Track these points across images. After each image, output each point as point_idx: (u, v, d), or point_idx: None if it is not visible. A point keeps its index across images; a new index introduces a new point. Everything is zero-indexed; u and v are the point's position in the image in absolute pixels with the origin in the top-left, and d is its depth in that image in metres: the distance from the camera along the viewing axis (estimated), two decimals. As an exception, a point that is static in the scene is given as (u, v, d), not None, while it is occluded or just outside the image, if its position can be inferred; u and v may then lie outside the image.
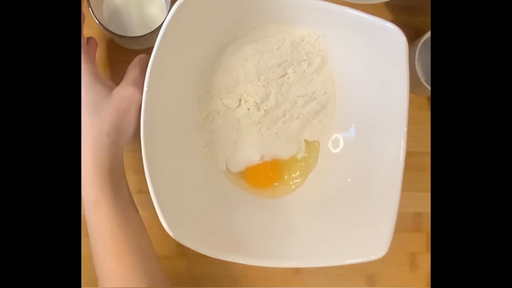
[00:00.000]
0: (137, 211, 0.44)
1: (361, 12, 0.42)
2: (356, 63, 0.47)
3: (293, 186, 0.51)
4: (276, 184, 0.51)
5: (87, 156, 0.40)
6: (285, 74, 0.49)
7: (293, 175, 0.51)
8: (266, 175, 0.51)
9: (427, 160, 0.54)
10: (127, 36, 0.47)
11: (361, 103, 0.48)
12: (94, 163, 0.40)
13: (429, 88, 0.48)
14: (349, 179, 0.48)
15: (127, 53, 0.51)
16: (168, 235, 0.41)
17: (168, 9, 0.45)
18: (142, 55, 0.46)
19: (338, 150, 0.50)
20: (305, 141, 0.51)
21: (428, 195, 0.54)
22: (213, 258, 0.43)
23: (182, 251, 0.53)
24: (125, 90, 0.43)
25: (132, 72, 0.44)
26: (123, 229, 0.41)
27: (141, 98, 0.42)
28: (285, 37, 0.48)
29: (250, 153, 0.50)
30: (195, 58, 0.47)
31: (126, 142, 0.43)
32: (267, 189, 0.51)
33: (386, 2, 0.48)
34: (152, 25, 0.47)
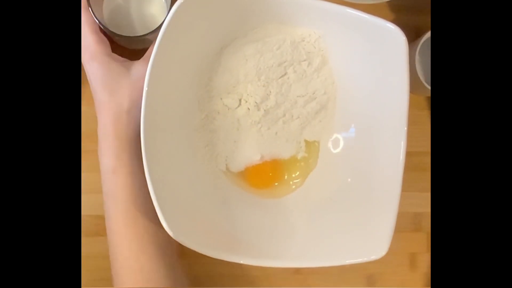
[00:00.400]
0: None
1: (361, 12, 0.42)
2: (356, 63, 0.47)
3: (293, 186, 0.51)
4: (276, 184, 0.51)
5: (108, 129, 0.42)
6: (285, 74, 0.49)
7: (293, 175, 0.51)
8: (266, 175, 0.51)
9: (427, 160, 0.54)
10: (127, 36, 0.47)
11: (361, 103, 0.48)
12: (115, 133, 0.42)
13: (429, 88, 0.48)
14: (349, 179, 0.48)
15: (127, 52, 0.51)
16: (168, 235, 0.41)
17: (168, 9, 0.45)
18: None
19: (338, 150, 0.50)
20: (305, 141, 0.51)
21: (428, 195, 0.54)
22: (213, 258, 0.43)
23: (182, 251, 0.53)
24: (143, 68, 0.43)
25: (150, 52, 0.44)
26: (139, 196, 0.42)
27: None
28: (285, 37, 0.48)
29: (250, 153, 0.50)
30: (195, 57, 0.47)
31: None
32: (267, 189, 0.51)
33: (386, 2, 0.48)
34: (152, 25, 0.48)
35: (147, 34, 0.45)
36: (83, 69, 0.45)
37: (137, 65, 0.45)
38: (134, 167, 0.42)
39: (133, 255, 0.41)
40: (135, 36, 0.46)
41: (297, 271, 0.54)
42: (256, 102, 0.48)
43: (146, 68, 0.42)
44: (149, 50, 0.46)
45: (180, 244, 0.42)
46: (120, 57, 0.46)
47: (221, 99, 0.49)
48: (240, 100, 0.49)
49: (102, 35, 0.45)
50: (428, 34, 0.48)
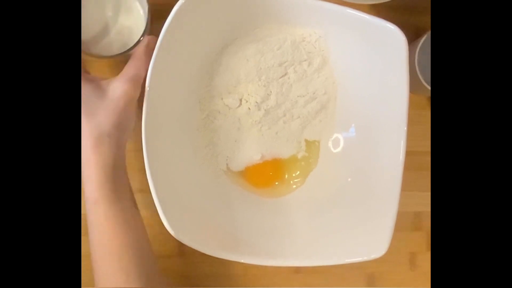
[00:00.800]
0: (138, 210, 0.43)
1: (362, 12, 0.43)
2: (357, 63, 0.47)
3: (293, 186, 0.51)
4: (276, 183, 0.51)
5: (89, 156, 0.40)
6: (286, 74, 0.49)
7: (294, 175, 0.51)
8: (266, 175, 0.51)
9: (427, 160, 0.54)
10: (101, 56, 0.44)
11: (361, 102, 0.48)
12: (97, 161, 0.40)
13: (429, 88, 0.48)
14: (349, 179, 0.48)
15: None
16: (169, 234, 0.42)
17: (147, 21, 0.43)
18: (145, 44, 0.43)
19: (338, 149, 0.50)
20: (306, 140, 0.51)
21: (428, 195, 0.54)
22: (213, 257, 0.43)
23: (182, 250, 0.53)
24: (122, 87, 0.41)
25: (129, 68, 0.42)
26: (121, 228, 0.40)
27: (138, 95, 0.41)
28: (286, 37, 0.48)
29: (251, 152, 0.50)
30: (196, 57, 0.47)
31: (128, 138, 0.43)
32: (268, 188, 0.51)
33: (386, 2, 0.48)
34: (129, 39, 0.45)
35: (123, 52, 0.43)
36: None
37: (115, 83, 0.41)
38: (117, 196, 0.40)
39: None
40: (111, 56, 0.44)
41: (297, 270, 0.54)
42: (256, 102, 0.48)
43: (125, 86, 0.41)
44: (126, 65, 0.43)
45: (180, 243, 0.42)
46: (94, 77, 0.43)
47: (222, 99, 0.49)
48: (240, 100, 0.49)
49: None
50: (428, 34, 0.48)
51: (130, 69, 0.42)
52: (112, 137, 0.40)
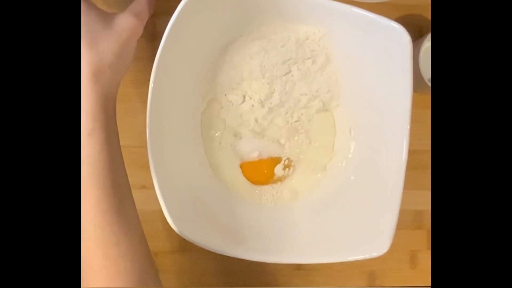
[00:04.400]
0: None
1: (366, 10, 0.43)
2: (360, 62, 0.47)
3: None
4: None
5: (87, 83, 0.38)
6: (289, 71, 0.49)
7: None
8: (261, 173, 0.51)
9: (428, 158, 0.54)
10: None
11: (364, 101, 0.48)
12: (95, 90, 0.38)
13: (432, 87, 0.48)
14: (352, 177, 0.48)
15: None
16: (171, 230, 0.42)
17: None
18: None
19: (341, 148, 0.50)
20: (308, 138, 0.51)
21: (429, 193, 0.54)
22: (215, 254, 0.43)
23: (185, 246, 0.53)
24: (128, 20, 0.40)
25: (136, 6, 0.42)
26: (113, 163, 0.39)
27: (141, 33, 0.42)
28: (290, 35, 0.48)
29: (248, 149, 0.50)
30: (200, 54, 0.47)
31: (126, 71, 0.42)
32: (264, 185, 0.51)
33: (390, 1, 0.48)
34: None
35: None
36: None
37: (121, 16, 0.41)
38: (110, 131, 0.39)
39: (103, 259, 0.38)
40: None
41: (299, 267, 0.55)
42: (260, 99, 0.49)
43: (131, 20, 0.40)
44: (133, 3, 0.42)
45: (183, 240, 0.42)
46: (95, 5, 0.41)
47: (225, 95, 0.49)
48: (244, 97, 0.49)
49: None
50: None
51: (137, 6, 0.42)
52: (113, 68, 0.39)
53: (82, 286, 0.37)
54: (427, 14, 0.53)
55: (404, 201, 0.43)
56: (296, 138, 0.50)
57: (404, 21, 0.43)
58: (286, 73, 0.49)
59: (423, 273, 0.56)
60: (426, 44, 0.48)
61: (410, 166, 0.43)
